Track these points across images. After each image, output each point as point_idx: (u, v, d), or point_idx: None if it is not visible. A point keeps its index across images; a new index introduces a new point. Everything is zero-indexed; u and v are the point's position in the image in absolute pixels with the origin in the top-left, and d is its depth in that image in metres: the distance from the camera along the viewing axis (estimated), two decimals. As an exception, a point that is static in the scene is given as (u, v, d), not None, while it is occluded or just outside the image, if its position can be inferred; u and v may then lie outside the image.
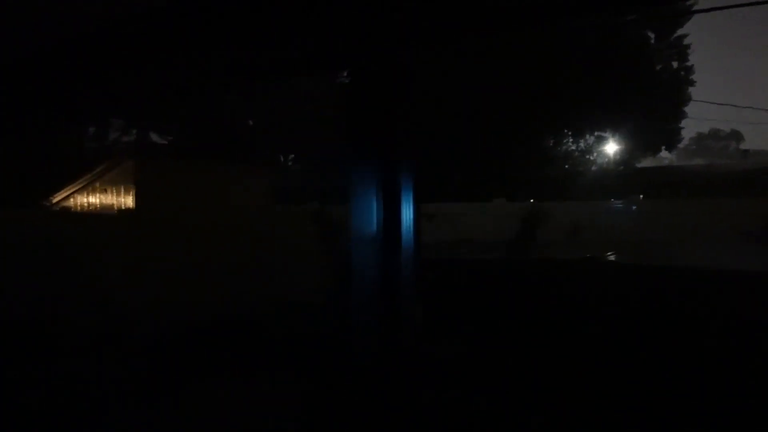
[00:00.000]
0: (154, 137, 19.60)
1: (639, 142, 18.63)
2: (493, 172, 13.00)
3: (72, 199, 9.52)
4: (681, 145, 23.14)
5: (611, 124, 17.88)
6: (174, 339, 7.79)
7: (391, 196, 1.79)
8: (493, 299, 3.88)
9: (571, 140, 18.80)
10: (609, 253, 6.73)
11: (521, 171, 14.88)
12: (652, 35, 17.50)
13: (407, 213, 1.84)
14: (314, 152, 20.48)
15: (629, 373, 3.32)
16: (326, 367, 5.65)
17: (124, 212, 8.70)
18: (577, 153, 19.46)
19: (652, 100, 16.64)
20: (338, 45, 1.87)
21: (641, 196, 11.58)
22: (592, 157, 19.83)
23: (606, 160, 20.01)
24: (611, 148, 19.75)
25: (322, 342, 6.59)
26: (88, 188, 9.34)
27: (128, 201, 8.73)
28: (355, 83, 1.80)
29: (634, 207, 11.49)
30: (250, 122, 20.71)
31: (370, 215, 1.81)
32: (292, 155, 22.55)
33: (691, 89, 18.09)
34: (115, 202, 8.95)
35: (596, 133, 19.02)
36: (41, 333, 6.89)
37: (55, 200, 9.62)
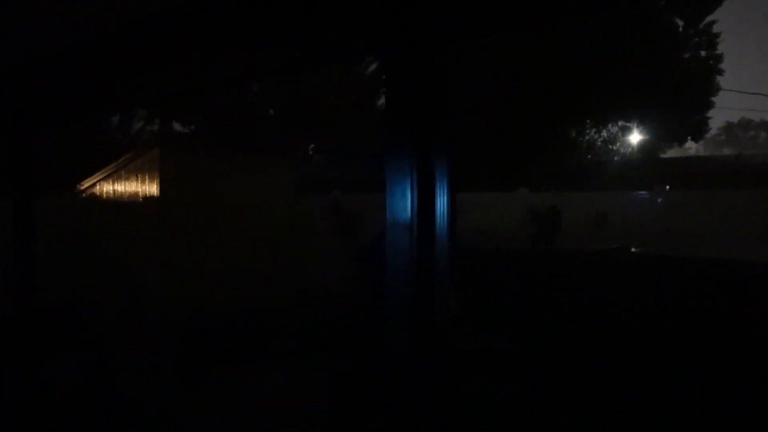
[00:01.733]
0: (177, 127, 19.82)
1: (665, 132, 18.26)
2: (515, 162, 12.88)
3: (98, 187, 9.67)
4: (709, 135, 22.64)
5: (636, 113, 17.55)
6: (199, 327, 7.90)
7: (427, 184, 1.77)
8: (523, 290, 3.84)
9: (594, 130, 18.50)
10: (635, 244, 6.61)
11: (544, 161, 14.71)
12: (680, 23, 17.09)
13: (442, 202, 1.82)
14: (334, 143, 20.53)
15: (668, 370, 3.27)
16: (352, 356, 5.68)
17: (148, 200, 8.81)
18: (600, 143, 19.17)
19: (680, 89, 16.27)
20: (374, 34, 1.84)
21: (668, 187, 11.35)
22: (615, 147, 19.51)
23: (630, 150, 19.67)
24: (635, 137, 19.39)
25: (345, 331, 6.63)
26: (113, 176, 9.47)
27: (153, 189, 8.83)
28: (391, 72, 1.77)
29: (660, 198, 11.27)
30: (271, 111, 20.80)
31: (405, 204, 1.79)
32: (312, 145, 22.63)
33: (720, 78, 17.65)
34: (139, 190, 9.07)
35: (620, 123, 18.70)
36: (72, 318, 7.03)
37: (82, 188, 9.78)
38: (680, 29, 17.16)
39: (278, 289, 9.35)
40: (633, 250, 6.17)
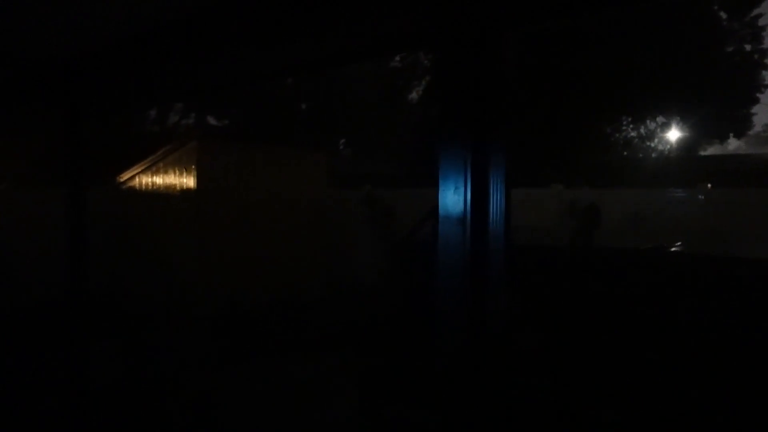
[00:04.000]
0: (211, 120, 20.14)
1: (705, 129, 17.72)
2: (550, 158, 12.69)
3: (138, 179, 9.90)
4: (752, 132, 21.85)
5: (676, 109, 17.06)
6: (234, 316, 8.05)
7: (481, 179, 1.75)
8: (568, 286, 3.79)
9: (631, 126, 18.08)
10: (676, 244, 6.45)
11: (580, 157, 14.45)
12: (724, 16, 16.52)
13: (497, 196, 1.80)
14: (365, 137, 20.57)
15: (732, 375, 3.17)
16: (386, 350, 5.70)
17: (186, 192, 8.98)
18: (637, 139, 18.72)
19: (722, 84, 15.76)
20: (428, 21, 1.83)
21: (709, 185, 11.01)
22: (653, 144, 19.02)
23: (668, 146, 19.15)
24: (674, 134, 18.86)
25: (379, 324, 6.65)
26: (152, 168, 9.68)
27: (190, 182, 8.99)
28: (446, 64, 1.76)
29: (700, 196, 10.93)
30: (303, 106, 20.95)
31: (458, 198, 1.77)
32: (343, 140, 22.71)
33: (765, 73, 17.02)
34: (177, 182, 9.24)
35: (659, 119, 18.22)
36: (113, 306, 7.25)
37: (122, 180, 10.03)
38: (724, 22, 16.60)
39: (311, 281, 9.45)
40: (673, 248, 6.01)
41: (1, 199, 8.62)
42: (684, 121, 17.90)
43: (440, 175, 1.81)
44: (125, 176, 10.04)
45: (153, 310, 8.19)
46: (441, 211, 1.84)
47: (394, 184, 14.52)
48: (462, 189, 1.79)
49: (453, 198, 1.81)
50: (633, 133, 18.33)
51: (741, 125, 17.88)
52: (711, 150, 20.61)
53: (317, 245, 9.85)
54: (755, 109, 17.59)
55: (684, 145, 18.55)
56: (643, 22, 12.93)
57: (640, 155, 18.46)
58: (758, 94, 17.06)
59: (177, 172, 9.19)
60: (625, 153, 18.21)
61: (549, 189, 10.43)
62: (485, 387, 1.76)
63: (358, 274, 9.48)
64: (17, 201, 8.73)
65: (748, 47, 16.88)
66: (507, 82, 1.78)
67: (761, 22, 16.80)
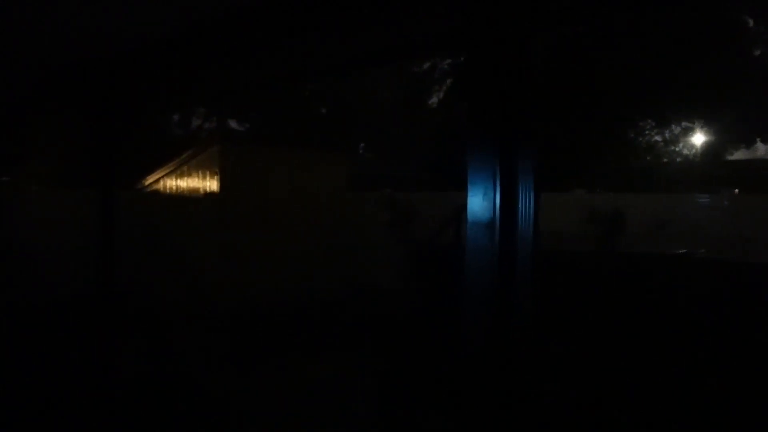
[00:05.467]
0: (233, 124, 20.37)
1: (731, 134, 17.39)
2: (572, 163, 12.57)
3: (162, 183, 10.06)
4: (780, 137, 21.36)
5: (701, 114, 16.77)
6: (254, 316, 8.12)
7: (510, 183, 1.75)
8: (595, 293, 3.76)
9: (655, 131, 17.81)
10: (701, 250, 6.34)
11: (602, 162, 14.29)
12: (750, 20, 16.21)
13: (525, 200, 1.80)
14: (385, 141, 20.60)
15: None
16: (404, 353, 5.69)
17: (209, 196, 9.10)
18: (661, 143, 18.44)
19: (748, 88, 15.44)
20: (457, 22, 1.84)
21: (736, 191, 10.80)
22: (677, 149, 18.71)
23: (693, 151, 18.83)
24: (699, 138, 18.54)
25: (397, 327, 6.65)
26: (176, 172, 9.83)
27: (212, 185, 9.11)
28: (475, 66, 1.76)
29: (726, 202, 10.74)
30: (323, 110, 21.07)
31: (487, 203, 1.77)
32: (362, 144, 22.78)
33: (794, 76, 16.61)
34: (200, 186, 9.37)
35: (683, 124, 17.93)
36: (138, 304, 7.36)
37: (147, 183, 10.20)
38: (751, 26, 16.30)
39: (331, 282, 9.49)
40: (699, 255, 5.92)
41: (33, 198, 8.83)
42: (709, 125, 17.59)
43: (469, 180, 1.82)
44: (150, 179, 10.21)
45: (176, 309, 8.30)
46: (470, 215, 1.84)
47: (414, 187, 14.50)
48: (491, 194, 1.79)
49: (482, 203, 1.81)
50: (656, 138, 18.06)
51: (768, 130, 17.50)
52: (737, 155, 20.21)
53: (337, 247, 9.90)
54: (783, 113, 17.20)
55: (709, 150, 18.22)
56: (668, 25, 12.76)
57: (664, 160, 18.18)
58: (786, 98, 16.68)
59: (200, 175, 9.32)
60: (648, 158, 17.94)
61: (571, 194, 10.34)
62: (511, 393, 1.75)
63: (378, 276, 9.50)
64: (48, 201, 8.95)
65: (775, 50, 16.53)
66: (536, 86, 1.78)
67: (789, 24, 16.41)
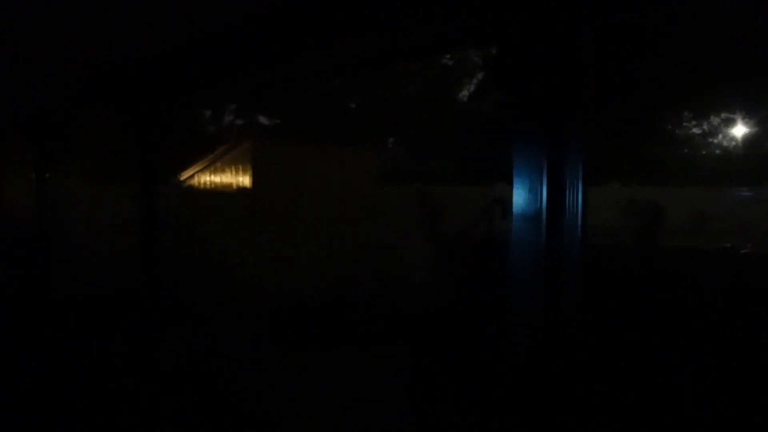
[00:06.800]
0: (263, 120, 20.56)
1: (774, 124, 16.73)
2: (607, 155, 12.30)
3: (196, 178, 10.23)
4: (826, 127, 20.50)
5: (742, 104, 16.19)
6: (285, 311, 8.20)
7: (558, 176, 1.70)
8: (641, 290, 3.65)
9: (693, 122, 17.27)
10: (746, 245, 6.11)
11: (638, 154, 13.94)
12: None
13: (573, 195, 1.74)
14: (414, 135, 20.50)
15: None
16: (436, 348, 5.66)
17: (241, 191, 9.22)
18: (699, 135, 17.88)
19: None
20: (504, 17, 1.79)
21: (781, 184, 10.39)
22: (716, 140, 18.12)
23: (733, 143, 18.21)
24: (739, 130, 17.90)
25: (429, 322, 6.62)
26: (209, 168, 9.98)
27: (245, 181, 9.22)
28: (523, 53, 1.71)
29: (770, 195, 10.34)
30: (352, 105, 21.08)
31: (534, 196, 1.73)
32: (392, 138, 22.71)
33: (843, 63, 15.88)
34: (233, 181, 9.50)
35: (723, 115, 17.34)
36: (173, 298, 7.51)
37: (181, 178, 10.39)
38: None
39: (362, 277, 9.51)
40: (743, 251, 5.70)
41: (77, 194, 9.09)
42: (750, 116, 16.97)
43: (514, 173, 1.77)
44: (185, 174, 10.40)
45: (211, 302, 8.45)
46: (515, 209, 1.80)
47: (445, 182, 14.41)
48: (537, 187, 1.74)
49: (527, 196, 1.77)
50: (695, 129, 17.51)
51: (814, 120, 16.77)
52: (780, 146, 19.44)
53: (368, 242, 9.91)
54: (831, 102, 16.46)
55: (750, 142, 17.58)
56: (708, 14, 12.33)
57: (703, 152, 17.63)
58: (835, 87, 15.96)
59: (233, 170, 9.44)
60: (686, 150, 17.42)
61: (605, 186, 10.11)
62: (560, 394, 1.71)
63: (409, 271, 9.47)
64: (91, 196, 9.19)
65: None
66: (587, 76, 1.72)
67: (838, 9, 15.67)
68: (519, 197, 1.78)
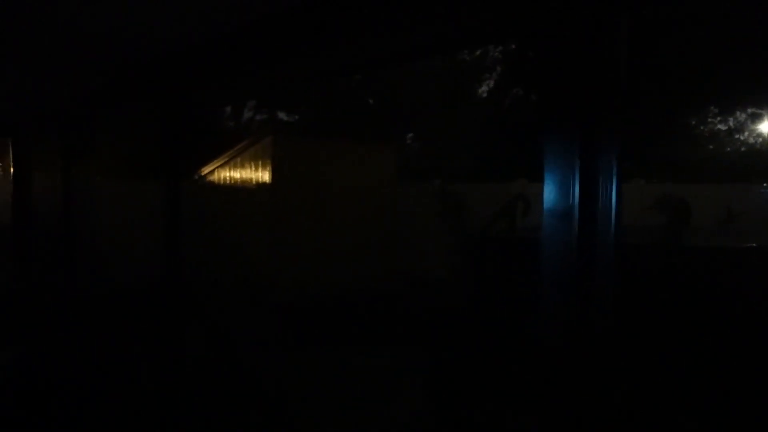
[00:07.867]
0: (282, 116, 20.66)
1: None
2: (631, 151, 12.12)
3: (216, 173, 10.30)
4: None
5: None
6: (303, 306, 8.23)
7: (591, 171, 1.66)
8: (672, 289, 3.59)
9: (718, 118, 16.92)
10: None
11: (662, 151, 13.71)
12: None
13: (607, 191, 1.70)
14: (433, 131, 20.43)
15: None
16: (455, 346, 5.63)
17: (261, 186, 9.25)
18: (724, 131, 17.51)
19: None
20: (536, 11, 1.75)
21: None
22: (742, 137, 17.73)
23: (759, 140, 17.80)
24: (766, 126, 17.49)
25: (448, 319, 6.59)
26: (230, 163, 10.04)
27: (265, 176, 9.25)
28: (554, 47, 1.67)
29: (798, 193, 10.10)
30: (371, 101, 21.07)
31: (565, 192, 1.69)
32: (411, 134, 22.67)
33: None
34: (253, 176, 9.54)
35: (749, 110, 16.95)
36: (193, 293, 7.59)
37: (203, 173, 10.48)
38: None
39: (382, 274, 9.50)
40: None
41: (103, 190, 9.22)
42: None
43: (545, 169, 1.74)
44: (205, 170, 10.48)
45: (232, 297, 8.52)
46: (546, 205, 1.76)
47: (465, 178, 14.32)
48: (570, 182, 1.70)
49: (558, 193, 1.73)
50: (720, 125, 17.16)
51: None
52: (809, 143, 18.94)
53: (387, 238, 9.89)
54: None
55: (778, 138, 17.18)
56: (733, 9, 12.05)
57: (728, 149, 17.27)
58: None
59: (253, 166, 9.48)
60: (711, 146, 17.09)
61: (628, 183, 9.96)
62: (592, 393, 1.67)
63: (428, 267, 9.44)
64: (117, 192, 9.32)
65: None
66: (620, 69, 1.67)
67: None
68: (549, 193, 1.74)
